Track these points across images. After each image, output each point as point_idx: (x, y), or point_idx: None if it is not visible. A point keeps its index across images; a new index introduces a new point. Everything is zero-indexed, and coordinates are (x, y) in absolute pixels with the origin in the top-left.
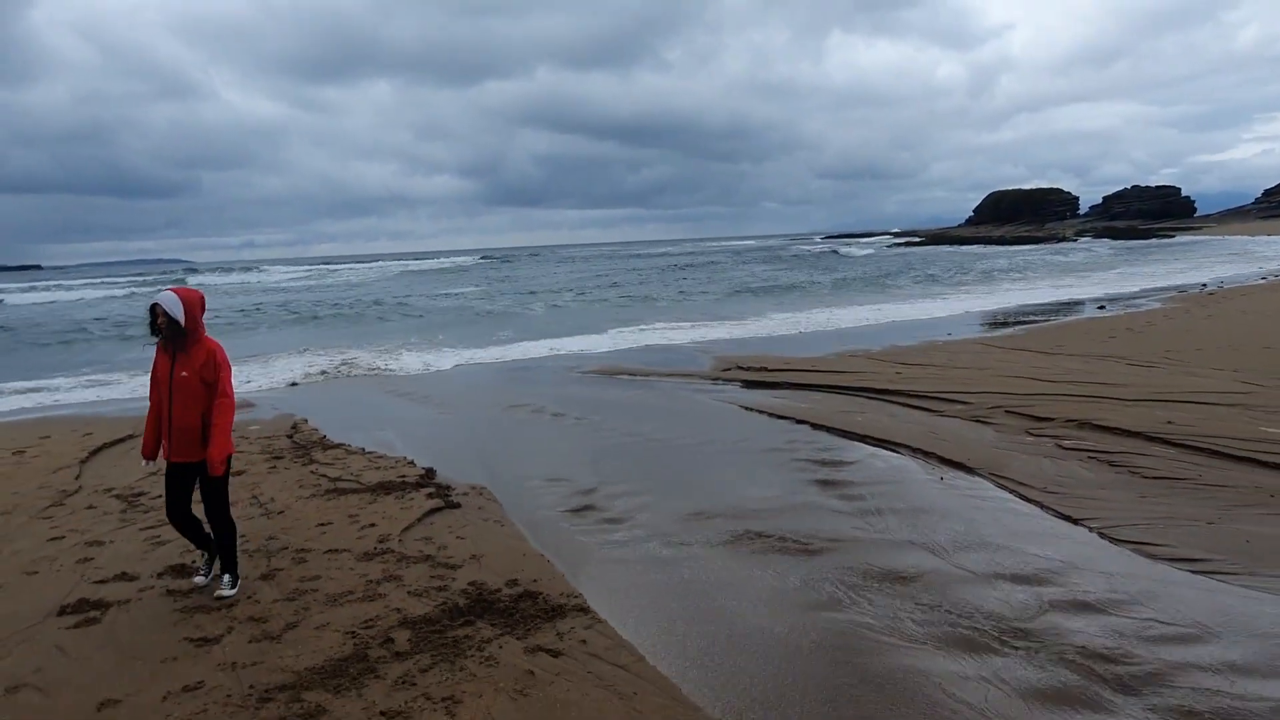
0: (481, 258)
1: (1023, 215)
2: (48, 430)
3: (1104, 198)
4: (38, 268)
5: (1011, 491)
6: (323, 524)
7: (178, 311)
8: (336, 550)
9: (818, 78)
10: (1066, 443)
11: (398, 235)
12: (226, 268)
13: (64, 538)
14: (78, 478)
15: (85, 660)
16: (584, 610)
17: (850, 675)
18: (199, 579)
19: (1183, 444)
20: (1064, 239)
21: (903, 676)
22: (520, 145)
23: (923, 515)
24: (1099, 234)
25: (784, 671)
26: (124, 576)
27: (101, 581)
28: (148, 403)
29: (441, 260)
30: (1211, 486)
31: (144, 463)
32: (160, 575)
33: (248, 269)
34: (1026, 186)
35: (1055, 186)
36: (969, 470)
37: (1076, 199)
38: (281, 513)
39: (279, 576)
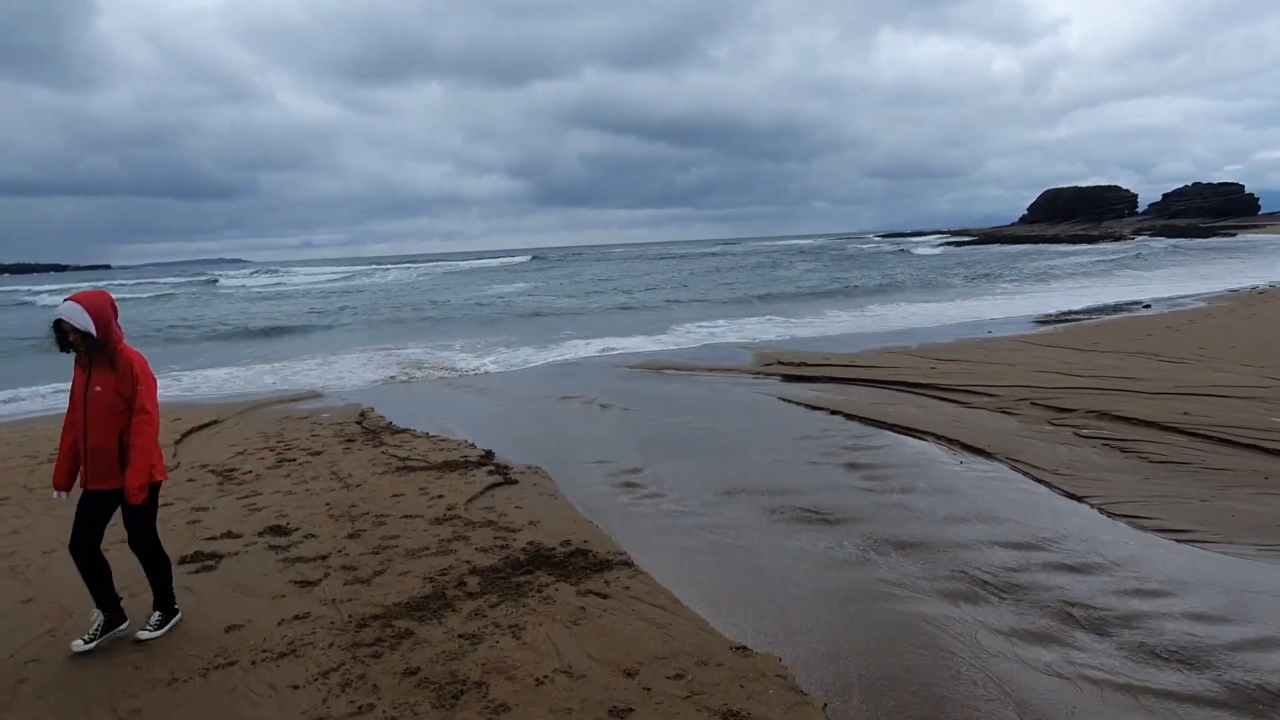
0: (533, 258)
1: (1079, 213)
2: None
3: (1163, 195)
4: (107, 267)
5: (1024, 474)
6: (396, 495)
7: (86, 323)
8: (411, 516)
9: (867, 75)
10: (1084, 431)
11: (450, 235)
12: (271, 269)
13: (173, 504)
14: (174, 456)
15: (208, 596)
16: (628, 564)
17: (858, 614)
18: (78, 644)
19: (1194, 433)
20: (1120, 238)
21: (904, 616)
22: (569, 146)
23: (939, 493)
24: (1157, 232)
25: (801, 611)
26: (229, 535)
27: (211, 538)
28: (224, 395)
29: (489, 260)
30: (1212, 470)
31: (55, 494)
32: (260, 534)
33: (274, 271)
34: (1083, 184)
35: (1113, 184)
36: (988, 455)
37: (1135, 197)
38: (359, 485)
39: (363, 535)
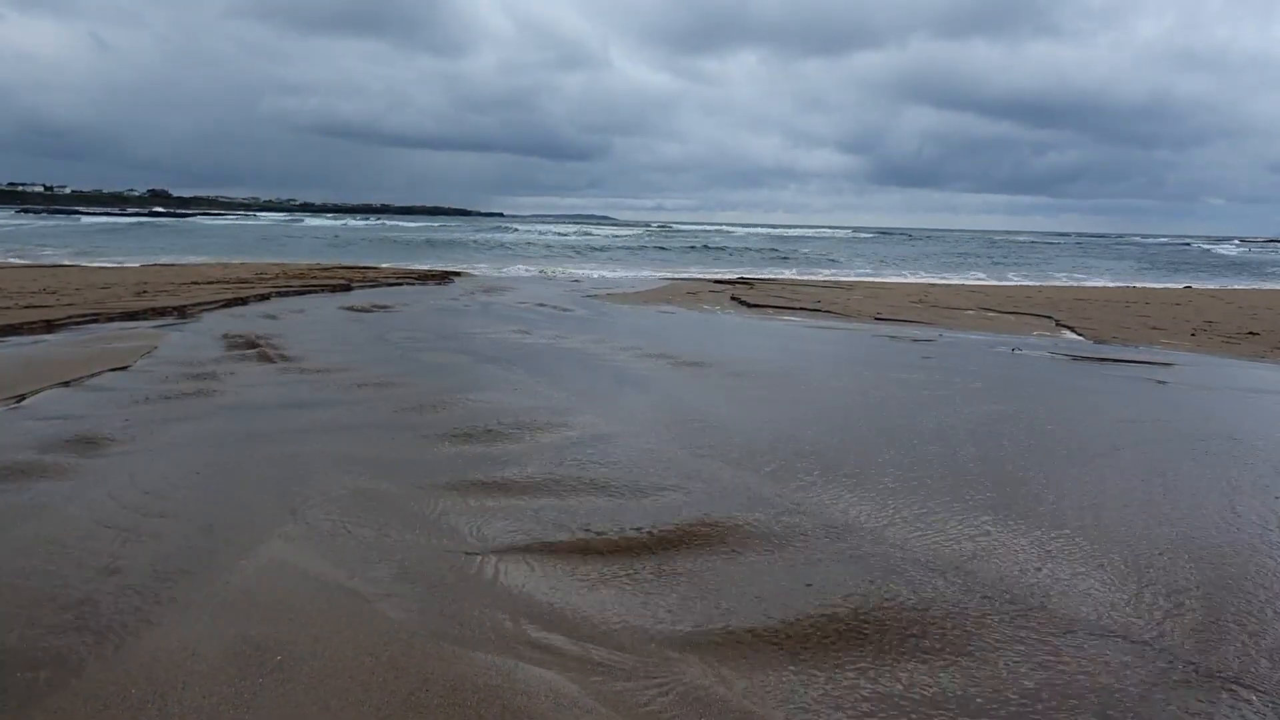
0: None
1: None
2: None
3: None
4: (501, 215)
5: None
6: None
7: None
8: None
9: (1267, 45)
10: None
11: (794, 208)
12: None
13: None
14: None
15: None
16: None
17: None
18: None
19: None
20: None
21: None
22: (902, 121)
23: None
24: None
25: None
26: None
27: None
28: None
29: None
30: None
31: None
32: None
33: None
34: None
35: None
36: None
37: None
38: None
39: None
